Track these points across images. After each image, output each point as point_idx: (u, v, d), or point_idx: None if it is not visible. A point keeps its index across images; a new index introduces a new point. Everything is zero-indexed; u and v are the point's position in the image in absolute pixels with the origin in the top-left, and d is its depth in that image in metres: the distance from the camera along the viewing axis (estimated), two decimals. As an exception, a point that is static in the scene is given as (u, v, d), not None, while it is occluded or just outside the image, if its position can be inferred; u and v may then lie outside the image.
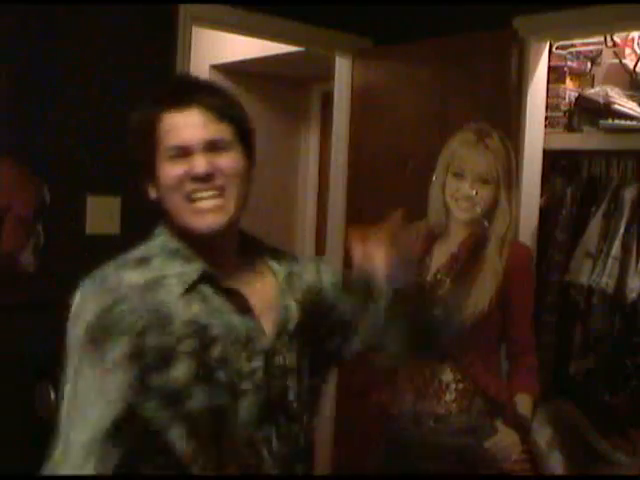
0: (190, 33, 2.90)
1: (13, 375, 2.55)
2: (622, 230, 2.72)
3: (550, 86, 2.98)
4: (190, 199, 1.30)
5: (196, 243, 1.35)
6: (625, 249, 2.71)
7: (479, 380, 2.16)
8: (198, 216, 1.30)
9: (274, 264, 1.43)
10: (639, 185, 2.77)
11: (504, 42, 2.86)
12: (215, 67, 4.36)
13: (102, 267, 1.41)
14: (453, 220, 2.22)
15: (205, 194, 1.29)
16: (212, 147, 1.30)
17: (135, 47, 2.77)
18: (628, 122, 2.77)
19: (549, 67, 2.95)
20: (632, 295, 2.67)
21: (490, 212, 2.17)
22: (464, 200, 2.15)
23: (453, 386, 2.16)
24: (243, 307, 1.33)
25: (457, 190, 2.16)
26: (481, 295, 2.11)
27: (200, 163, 1.28)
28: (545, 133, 2.95)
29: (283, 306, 1.38)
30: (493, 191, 2.15)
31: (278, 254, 1.46)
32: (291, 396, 1.35)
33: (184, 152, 1.30)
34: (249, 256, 1.41)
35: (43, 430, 2.51)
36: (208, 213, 1.30)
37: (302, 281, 1.44)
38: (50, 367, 2.49)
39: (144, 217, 2.90)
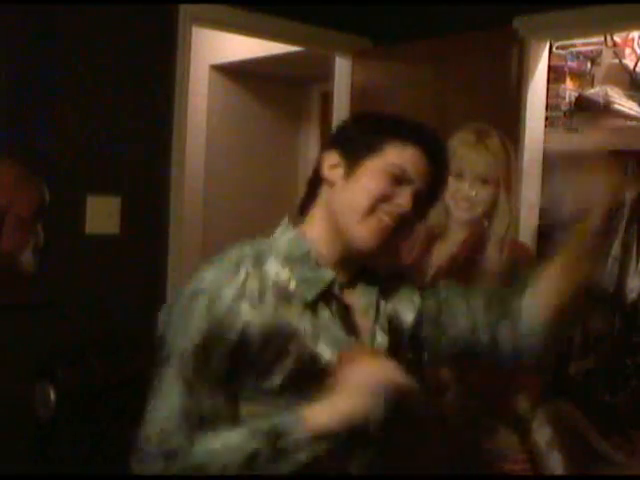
0: (190, 33, 2.90)
1: (13, 375, 2.55)
2: (622, 230, 2.72)
3: (550, 86, 2.97)
4: (376, 216, 1.34)
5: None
6: (625, 249, 2.72)
7: (478, 380, 2.14)
8: (370, 232, 1.34)
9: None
10: (639, 185, 2.77)
11: (504, 42, 2.86)
12: (215, 67, 4.36)
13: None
14: (453, 220, 2.21)
15: (389, 221, 1.34)
16: (417, 195, 1.36)
17: (135, 47, 2.77)
18: (628, 122, 2.77)
19: (549, 67, 2.95)
20: (632, 295, 2.67)
21: (490, 212, 2.15)
22: (464, 200, 2.13)
23: (453, 386, 2.15)
24: (351, 327, 1.38)
25: (457, 190, 2.13)
26: None
27: (409, 199, 1.34)
28: (545, 133, 2.94)
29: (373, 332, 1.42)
30: (493, 191, 2.13)
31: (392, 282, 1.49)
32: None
33: (401, 180, 1.34)
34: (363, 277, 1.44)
35: (43, 430, 2.51)
36: (379, 234, 1.34)
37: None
38: (50, 367, 2.50)
39: (144, 217, 2.93)
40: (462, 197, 2.13)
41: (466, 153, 2.13)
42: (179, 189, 2.91)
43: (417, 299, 1.49)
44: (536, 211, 2.93)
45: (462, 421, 2.14)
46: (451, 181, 2.13)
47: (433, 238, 2.23)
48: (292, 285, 1.33)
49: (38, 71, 2.56)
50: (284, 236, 1.39)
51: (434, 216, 2.20)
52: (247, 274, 1.31)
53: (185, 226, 3.03)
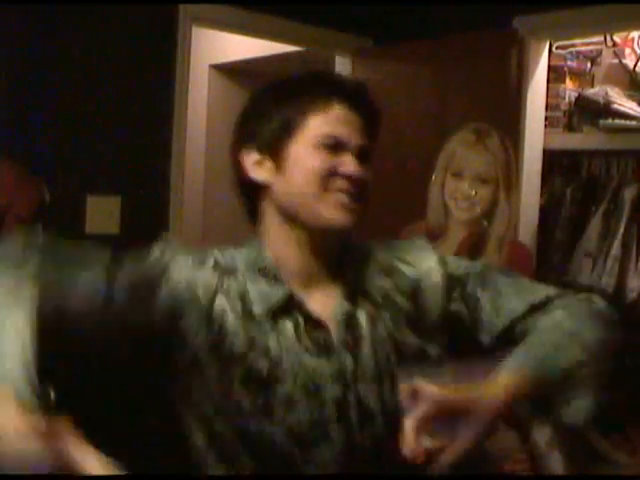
0: (190, 33, 2.90)
1: (13, 375, 2.55)
2: (622, 230, 2.72)
3: (550, 86, 2.97)
4: (331, 192, 1.23)
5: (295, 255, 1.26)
6: (625, 249, 2.71)
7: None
8: (336, 209, 1.23)
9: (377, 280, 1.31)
10: (639, 185, 2.77)
11: (504, 42, 2.86)
12: (215, 67, 4.36)
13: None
14: (452, 220, 2.21)
15: (346, 194, 1.24)
16: (360, 153, 1.27)
17: (135, 47, 2.77)
18: (628, 122, 2.77)
19: (549, 67, 2.95)
20: (632, 295, 2.67)
21: (489, 212, 2.16)
22: (463, 200, 2.14)
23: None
24: (321, 345, 1.23)
25: (456, 190, 2.15)
26: None
27: (354, 164, 1.24)
28: (545, 133, 2.94)
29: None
30: (492, 191, 2.14)
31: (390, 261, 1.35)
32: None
33: (336, 147, 1.23)
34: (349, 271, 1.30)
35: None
36: (344, 210, 1.23)
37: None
38: (50, 367, 2.49)
39: (144, 217, 2.93)
40: (462, 196, 2.14)
41: (465, 153, 2.14)
42: (179, 189, 2.91)
43: (435, 266, 1.32)
44: (536, 211, 2.93)
45: None
46: (450, 180, 2.15)
47: (433, 238, 2.24)
48: (251, 299, 1.23)
49: (38, 71, 2.56)
50: (247, 247, 1.29)
51: (433, 216, 2.21)
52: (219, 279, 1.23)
53: (185, 226, 3.03)
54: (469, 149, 2.15)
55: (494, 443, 2.23)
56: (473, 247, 2.19)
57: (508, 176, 2.16)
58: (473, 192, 2.13)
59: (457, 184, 2.15)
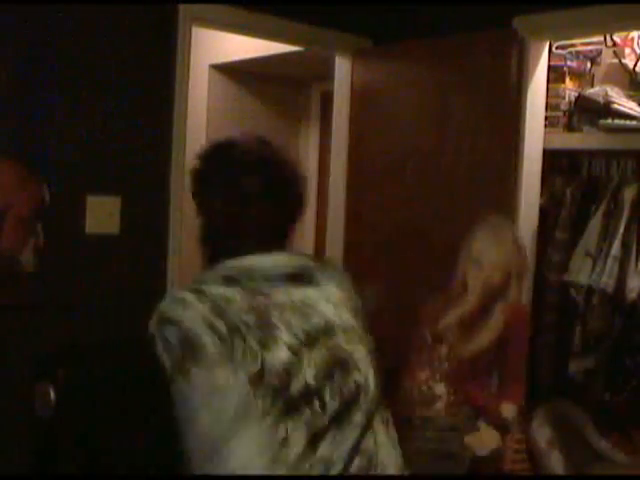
0: (190, 33, 2.90)
1: (13, 375, 2.55)
2: (622, 230, 2.72)
3: (550, 86, 2.97)
4: None
5: None
6: (625, 249, 2.71)
7: (470, 394, 2.49)
8: None
9: None
10: (639, 185, 2.77)
11: (504, 42, 2.86)
12: (215, 67, 4.36)
13: None
14: (468, 294, 2.53)
15: None
16: None
17: (135, 47, 2.77)
18: (628, 122, 2.77)
19: (549, 67, 2.95)
20: (632, 295, 2.67)
21: (502, 294, 2.49)
22: (481, 285, 2.49)
23: (445, 398, 2.47)
24: None
25: (476, 277, 2.49)
26: (480, 342, 2.48)
27: None
28: (545, 133, 2.95)
29: None
30: (506, 277, 2.48)
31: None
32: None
33: None
34: None
35: (43, 430, 2.50)
36: None
37: None
38: (50, 367, 2.49)
39: (144, 217, 2.93)
40: (480, 283, 2.48)
41: (485, 247, 2.51)
42: (179, 189, 2.91)
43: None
44: (536, 211, 2.94)
45: (447, 421, 2.46)
46: (470, 267, 2.53)
47: (449, 301, 2.57)
48: None
49: (38, 71, 2.56)
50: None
51: (455, 287, 2.57)
52: None
53: (185, 226, 3.03)
54: (488, 244, 2.52)
55: (474, 438, 2.42)
56: (481, 314, 2.51)
57: (519, 264, 2.53)
58: (490, 279, 2.48)
59: (477, 272, 2.50)
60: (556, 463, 2.71)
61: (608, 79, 2.99)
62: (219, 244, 1.56)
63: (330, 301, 1.46)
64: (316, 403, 1.34)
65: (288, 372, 1.32)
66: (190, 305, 1.36)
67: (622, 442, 2.78)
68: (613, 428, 2.82)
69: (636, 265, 2.69)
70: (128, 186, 2.80)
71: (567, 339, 2.90)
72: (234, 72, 4.42)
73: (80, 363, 2.56)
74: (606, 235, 2.77)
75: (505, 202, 2.85)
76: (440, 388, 2.48)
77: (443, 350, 2.50)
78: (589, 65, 3.05)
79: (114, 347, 2.74)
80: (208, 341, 1.31)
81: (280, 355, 1.33)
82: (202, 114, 4.37)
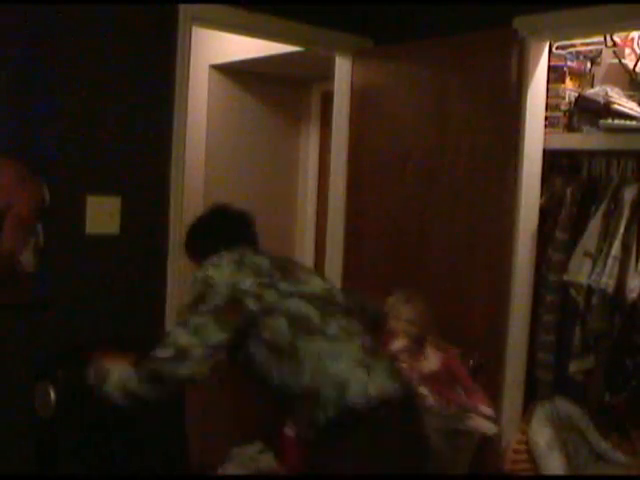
0: (190, 33, 2.90)
1: (13, 375, 2.55)
2: (622, 230, 2.72)
3: (550, 86, 2.97)
4: None
5: None
6: (625, 249, 2.71)
7: (445, 396, 2.69)
8: None
9: None
10: (639, 185, 2.77)
11: (504, 42, 2.86)
12: (215, 67, 4.36)
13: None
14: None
15: None
16: None
17: (135, 47, 2.77)
18: (628, 122, 2.77)
19: (549, 67, 2.95)
20: (632, 295, 2.67)
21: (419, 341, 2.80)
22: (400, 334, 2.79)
23: (431, 397, 2.64)
24: None
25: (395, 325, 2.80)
26: (428, 367, 2.77)
27: None
28: (545, 133, 2.94)
29: None
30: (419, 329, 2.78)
31: None
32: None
33: None
34: None
35: (43, 430, 2.51)
36: None
37: None
38: (50, 367, 2.49)
39: (144, 217, 2.93)
40: (400, 331, 2.77)
41: (399, 304, 2.80)
42: (179, 189, 2.91)
43: None
44: (536, 211, 2.93)
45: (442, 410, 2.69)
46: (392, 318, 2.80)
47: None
48: None
49: (38, 71, 2.56)
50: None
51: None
52: None
53: (185, 226, 3.03)
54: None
55: (471, 422, 2.65)
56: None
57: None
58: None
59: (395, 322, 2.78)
60: (556, 463, 2.71)
61: (608, 79, 2.99)
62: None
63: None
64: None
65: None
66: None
67: (622, 442, 2.78)
68: (613, 428, 2.82)
69: (636, 265, 2.69)
70: (128, 186, 2.80)
71: (567, 339, 2.90)
72: (234, 72, 4.42)
73: (80, 364, 2.56)
74: (606, 235, 2.77)
75: (505, 202, 2.85)
76: (423, 389, 2.59)
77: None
78: (589, 65, 3.04)
79: (113, 347, 2.74)
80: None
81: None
82: (202, 114, 4.37)
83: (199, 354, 1.90)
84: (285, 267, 2.10)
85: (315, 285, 2.11)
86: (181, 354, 1.91)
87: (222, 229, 2.24)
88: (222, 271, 1.99)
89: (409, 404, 1.99)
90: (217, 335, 1.92)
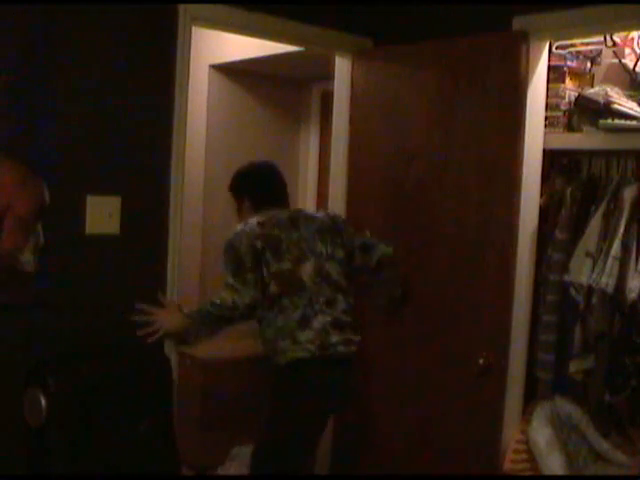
0: (190, 33, 2.90)
1: (13, 375, 2.55)
2: (622, 230, 2.72)
3: (550, 86, 2.97)
4: None
5: None
6: (625, 249, 2.71)
7: None
8: None
9: None
10: (639, 185, 2.77)
11: (504, 42, 2.86)
12: (215, 67, 4.37)
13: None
14: None
15: None
16: None
17: (135, 47, 2.77)
18: (628, 122, 2.77)
19: (549, 67, 2.95)
20: (632, 295, 2.67)
21: None
22: None
23: None
24: None
25: None
26: None
27: None
28: (545, 133, 2.94)
29: None
30: None
31: None
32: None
33: None
34: None
35: (33, 439, 2.50)
36: None
37: None
38: (40, 373, 2.48)
39: (144, 217, 2.93)
40: None
41: None
42: (179, 189, 2.91)
43: None
44: (536, 211, 2.94)
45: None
46: None
47: None
48: None
49: (38, 71, 2.56)
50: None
51: None
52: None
53: (185, 226, 3.03)
54: None
55: None
56: None
57: None
58: None
59: None
60: (556, 463, 2.71)
61: (608, 79, 2.99)
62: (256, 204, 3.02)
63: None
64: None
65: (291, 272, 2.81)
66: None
67: (622, 442, 2.78)
68: (613, 428, 2.81)
69: (636, 265, 2.69)
70: (128, 186, 2.80)
71: (567, 339, 2.90)
72: (234, 72, 4.42)
73: (70, 370, 2.54)
74: (606, 235, 2.77)
75: (505, 202, 2.85)
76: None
77: None
78: (589, 65, 3.04)
79: (105, 353, 2.74)
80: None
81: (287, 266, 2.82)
82: (202, 114, 4.37)
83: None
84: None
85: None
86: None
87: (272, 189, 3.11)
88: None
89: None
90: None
